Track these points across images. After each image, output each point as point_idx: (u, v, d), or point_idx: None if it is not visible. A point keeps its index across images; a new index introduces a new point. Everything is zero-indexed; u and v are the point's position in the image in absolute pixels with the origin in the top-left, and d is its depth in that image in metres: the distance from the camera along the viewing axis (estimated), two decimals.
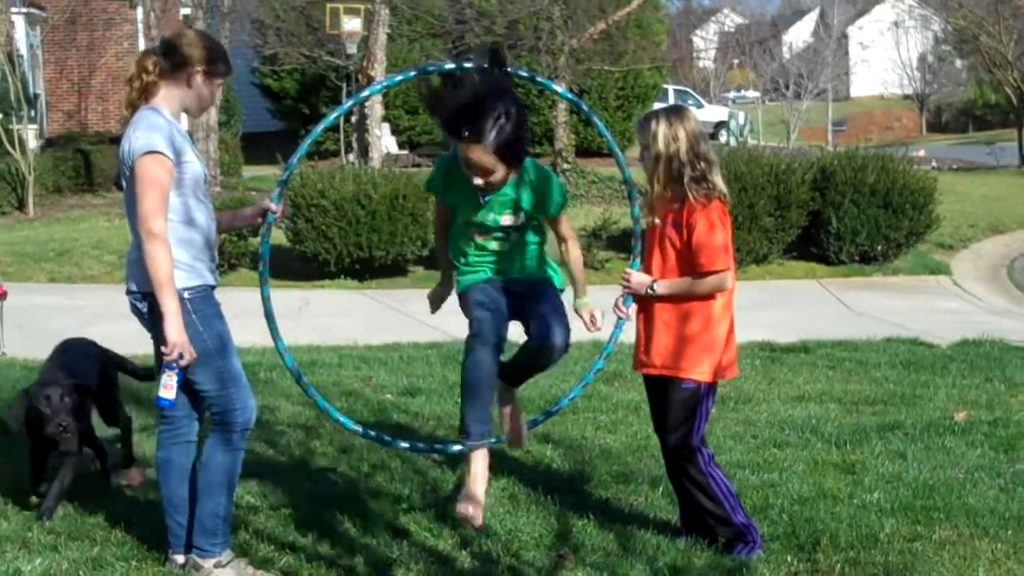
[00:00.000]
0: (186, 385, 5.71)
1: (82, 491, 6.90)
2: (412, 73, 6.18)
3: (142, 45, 28.65)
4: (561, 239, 6.12)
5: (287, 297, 15.10)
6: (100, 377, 7.31)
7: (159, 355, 5.60)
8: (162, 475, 5.86)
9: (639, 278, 6.09)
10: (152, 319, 5.53)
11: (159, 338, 5.51)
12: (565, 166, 26.69)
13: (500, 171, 5.50)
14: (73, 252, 19.66)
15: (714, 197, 5.97)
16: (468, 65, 7.24)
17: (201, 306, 5.55)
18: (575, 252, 6.17)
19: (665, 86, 41.11)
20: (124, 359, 7.76)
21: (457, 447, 6.69)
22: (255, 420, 5.76)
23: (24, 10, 30.19)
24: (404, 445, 6.35)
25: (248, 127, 35.54)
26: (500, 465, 7.44)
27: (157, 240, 5.32)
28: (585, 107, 6.37)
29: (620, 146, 6.32)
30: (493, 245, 5.84)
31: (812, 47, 57.02)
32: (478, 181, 5.46)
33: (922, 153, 34.25)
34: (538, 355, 6.00)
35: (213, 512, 5.66)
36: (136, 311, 5.61)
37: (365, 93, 11.80)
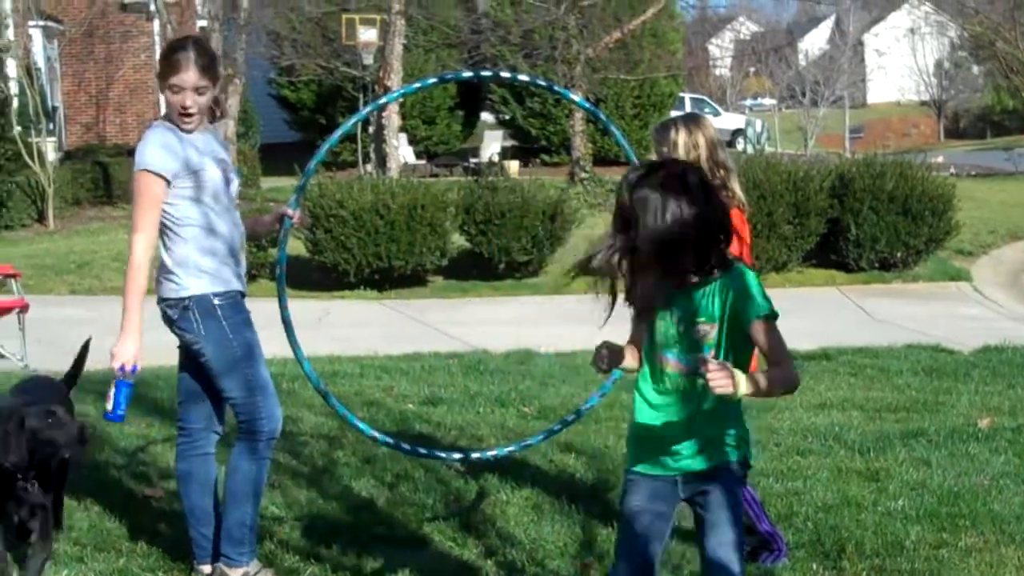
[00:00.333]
0: (208, 397, 5.74)
1: (107, 502, 6.91)
2: (431, 80, 6.21)
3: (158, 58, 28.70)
4: None
5: (307, 307, 15.11)
6: None
7: (187, 359, 5.72)
8: (183, 487, 5.88)
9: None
10: (183, 326, 5.58)
11: (195, 347, 5.62)
12: (583, 175, 26.73)
13: None
14: (93, 264, 19.73)
15: (733, 205, 5.96)
16: (485, 73, 7.21)
17: (230, 313, 5.57)
18: None
19: (681, 94, 41.12)
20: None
21: (476, 455, 6.71)
22: (281, 429, 5.77)
23: (41, 23, 30.30)
24: (439, 455, 6.36)
25: (266, 138, 35.61)
26: (523, 475, 7.45)
27: (134, 255, 5.46)
28: (603, 116, 6.36)
29: (637, 155, 6.29)
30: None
31: (828, 54, 57.00)
32: None
33: (940, 159, 34.17)
34: None
35: (239, 521, 5.67)
36: (167, 319, 5.64)
37: (383, 100, 11.86)
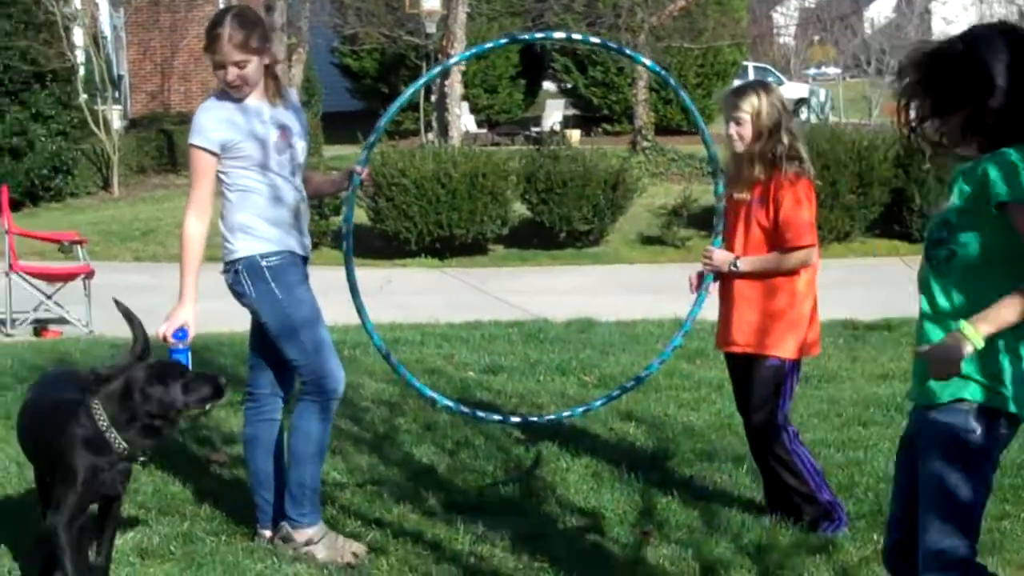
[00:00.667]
0: (273, 362, 5.80)
1: (171, 466, 6.99)
2: (503, 41, 6.20)
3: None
4: None
5: (368, 275, 15.14)
6: None
7: (254, 324, 5.82)
8: (248, 451, 5.95)
9: (721, 255, 6.06)
10: (237, 289, 5.71)
11: (252, 310, 5.73)
12: (645, 144, 26.62)
13: None
14: (158, 231, 19.91)
15: (803, 175, 5.95)
16: (558, 35, 7.19)
17: (280, 273, 5.63)
18: None
19: (745, 63, 40.77)
20: None
21: (534, 419, 6.74)
22: (343, 390, 5.82)
23: None
24: (496, 418, 6.39)
25: (328, 107, 35.66)
26: (583, 443, 7.47)
27: (183, 228, 5.63)
28: (673, 81, 6.32)
29: (704, 122, 6.27)
30: None
31: (894, 22, 56.37)
32: None
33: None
34: None
35: (299, 482, 5.71)
36: (228, 284, 5.72)
37: (454, 60, 11.75)
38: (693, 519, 6.18)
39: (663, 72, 6.34)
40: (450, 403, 6.25)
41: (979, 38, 3.83)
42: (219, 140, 5.56)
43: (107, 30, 30.10)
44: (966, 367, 3.75)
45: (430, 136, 28.36)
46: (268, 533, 5.83)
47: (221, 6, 30.14)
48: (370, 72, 37.30)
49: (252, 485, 5.94)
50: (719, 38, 32.53)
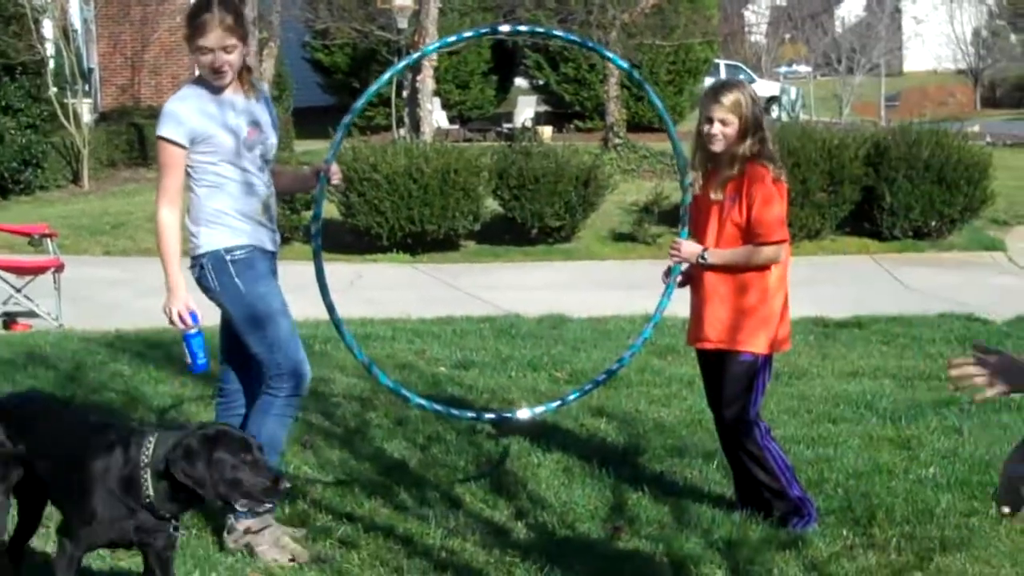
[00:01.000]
0: (242, 359, 5.79)
1: None
2: (467, 34, 6.22)
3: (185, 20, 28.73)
4: None
5: (339, 270, 15.15)
6: None
7: (224, 320, 5.82)
8: None
9: (690, 247, 6.07)
10: (203, 283, 5.69)
11: (218, 303, 5.72)
12: (616, 141, 26.65)
13: None
14: (128, 225, 19.84)
15: (775, 171, 5.97)
16: (522, 29, 7.22)
17: (244, 268, 5.61)
18: None
19: (716, 61, 40.86)
20: None
21: (507, 415, 6.73)
22: (307, 389, 5.80)
23: None
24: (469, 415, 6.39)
25: (299, 102, 35.58)
26: (554, 438, 7.48)
27: (158, 220, 5.56)
28: (637, 76, 6.33)
29: (671, 120, 6.27)
30: None
31: (865, 21, 56.54)
32: None
33: (976, 128, 33.93)
34: None
35: None
36: (195, 279, 5.72)
37: (418, 53, 11.80)
38: (664, 515, 6.20)
39: (629, 67, 6.36)
40: (423, 402, 6.23)
41: None
42: (189, 131, 5.54)
43: (77, 23, 29.94)
44: None
45: (402, 131, 28.30)
46: (241, 526, 5.80)
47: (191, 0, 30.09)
48: (341, 67, 37.24)
49: None
50: (691, 35, 32.56)
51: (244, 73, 5.71)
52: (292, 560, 5.58)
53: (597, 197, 19.31)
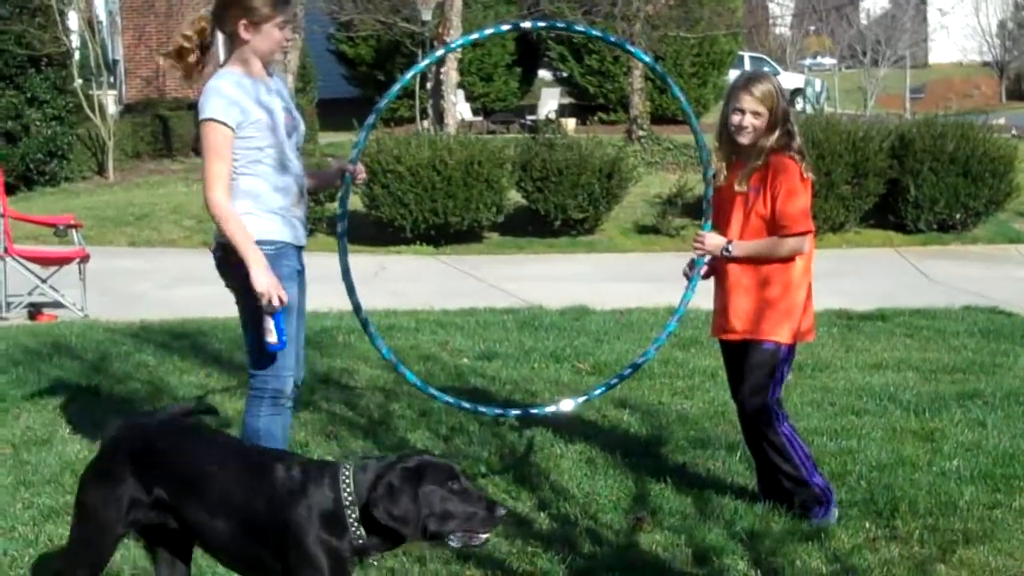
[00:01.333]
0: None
1: None
2: (487, 31, 6.23)
3: None
4: None
5: (363, 262, 15.19)
6: None
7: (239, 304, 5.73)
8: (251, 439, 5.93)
9: (714, 240, 6.07)
10: (222, 269, 5.67)
11: (233, 289, 5.66)
12: (640, 133, 26.63)
13: None
14: (152, 216, 19.91)
15: (800, 162, 5.97)
16: (542, 24, 7.24)
17: (270, 264, 5.54)
18: None
19: (741, 53, 40.82)
20: None
21: (534, 410, 6.73)
22: (290, 393, 5.77)
23: None
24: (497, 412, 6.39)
25: (323, 93, 35.65)
26: (577, 430, 7.50)
27: (213, 206, 5.45)
28: (660, 69, 6.33)
29: (695, 112, 6.27)
30: None
31: (890, 13, 56.34)
32: None
33: (1002, 121, 33.78)
34: None
35: None
36: (215, 262, 5.72)
37: (440, 51, 11.80)
38: (686, 506, 6.20)
39: (652, 61, 6.36)
40: (451, 399, 6.21)
41: None
42: (238, 114, 5.47)
43: (102, 15, 30.04)
44: None
45: (426, 123, 28.35)
46: None
47: None
48: (366, 59, 37.30)
49: None
50: (715, 28, 32.51)
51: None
52: None
53: (620, 189, 19.29)
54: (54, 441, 7.28)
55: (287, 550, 3.99)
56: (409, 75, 6.25)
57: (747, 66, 40.61)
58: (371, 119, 5.93)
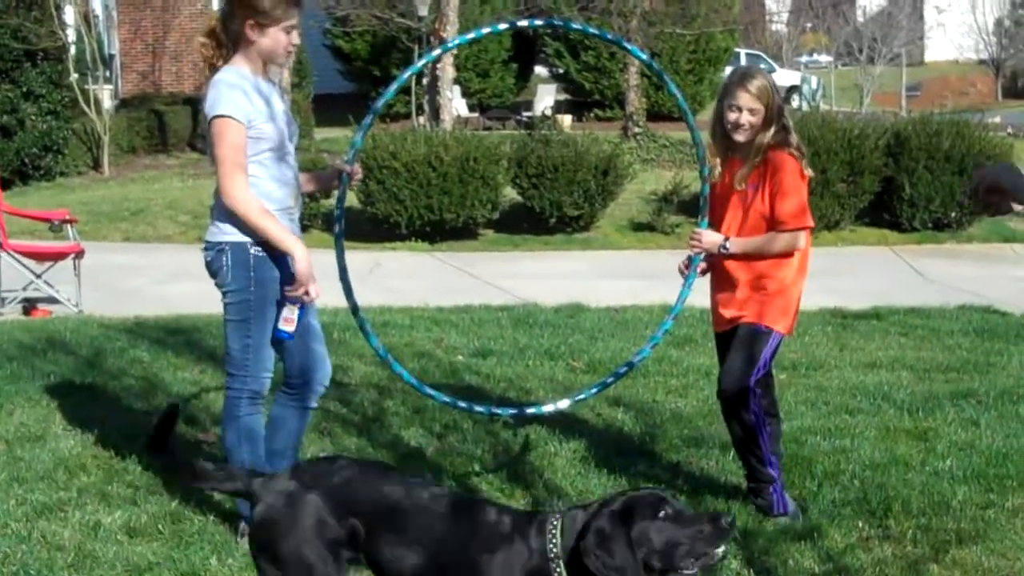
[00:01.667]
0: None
1: None
2: (484, 31, 6.23)
3: (216, 5, 28.83)
4: None
5: (358, 258, 15.17)
6: None
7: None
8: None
9: (711, 237, 6.06)
10: (214, 267, 5.61)
11: (226, 290, 5.60)
12: (636, 130, 26.63)
13: None
14: (147, 212, 19.90)
15: (797, 159, 5.97)
16: (538, 22, 7.23)
17: (265, 267, 5.53)
18: None
19: (737, 50, 40.81)
20: None
21: (531, 410, 6.72)
22: (265, 391, 5.76)
23: None
24: (495, 411, 6.37)
25: (319, 89, 35.56)
26: (571, 428, 7.49)
27: (240, 203, 5.38)
28: (656, 66, 6.33)
29: (691, 109, 6.25)
30: None
31: (886, 11, 56.29)
32: None
33: (997, 119, 33.78)
34: None
35: None
36: (205, 262, 5.67)
37: (437, 51, 11.85)
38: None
39: (648, 59, 6.36)
40: (447, 399, 6.19)
41: None
42: (248, 112, 5.43)
43: (98, 9, 30.01)
44: None
45: (421, 119, 28.33)
46: None
47: None
48: (362, 54, 37.25)
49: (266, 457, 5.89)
50: (711, 24, 32.51)
51: None
52: None
53: (616, 186, 19.30)
54: (48, 437, 7.27)
55: None
56: (406, 75, 6.23)
57: (743, 62, 40.59)
58: (368, 119, 5.92)
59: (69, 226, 13.79)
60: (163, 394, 8.30)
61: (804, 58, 62.70)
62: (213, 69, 5.63)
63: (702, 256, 6.16)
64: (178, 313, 11.67)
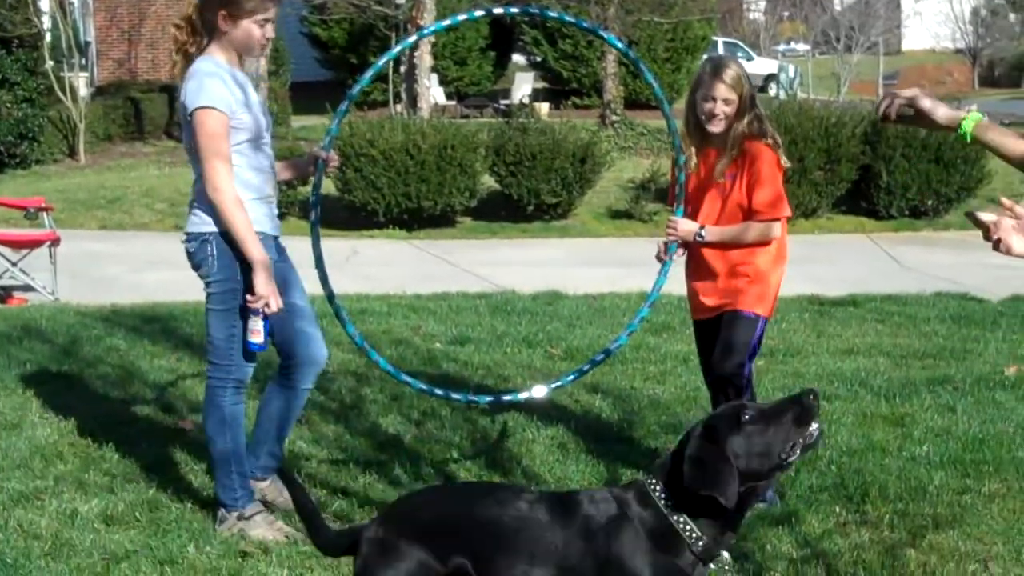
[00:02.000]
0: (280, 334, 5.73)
1: (137, 434, 6.99)
2: (460, 18, 6.20)
3: None
4: None
5: (335, 246, 15.14)
6: None
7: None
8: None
9: (687, 225, 6.06)
10: (198, 259, 5.55)
11: (211, 280, 5.56)
12: (614, 118, 26.63)
13: None
14: (124, 200, 19.83)
15: (772, 148, 5.97)
16: (514, 10, 7.23)
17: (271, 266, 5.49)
18: None
19: (714, 38, 40.82)
20: None
21: (506, 396, 6.71)
22: (248, 379, 5.74)
23: None
24: (465, 398, 6.36)
25: (296, 76, 35.48)
26: (549, 415, 7.49)
27: (223, 195, 5.34)
28: (632, 55, 6.31)
29: (668, 98, 6.23)
30: None
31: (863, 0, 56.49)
32: None
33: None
34: None
35: (219, 459, 5.69)
36: (187, 253, 5.61)
37: (413, 38, 11.80)
38: None
39: (624, 47, 6.33)
40: (424, 387, 6.16)
41: None
42: (229, 103, 5.39)
43: None
44: None
45: (399, 107, 28.27)
46: (232, 515, 5.72)
47: None
48: (339, 42, 37.16)
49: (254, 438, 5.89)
50: (689, 13, 32.53)
51: None
52: (287, 537, 5.56)
53: (594, 174, 19.31)
54: (24, 425, 7.24)
55: None
56: (382, 61, 6.20)
57: (720, 51, 40.61)
58: (343, 106, 5.89)
59: (45, 214, 13.74)
60: (139, 382, 8.28)
61: (782, 47, 62.85)
62: (185, 55, 5.59)
63: (677, 244, 6.16)
64: (154, 301, 11.63)
